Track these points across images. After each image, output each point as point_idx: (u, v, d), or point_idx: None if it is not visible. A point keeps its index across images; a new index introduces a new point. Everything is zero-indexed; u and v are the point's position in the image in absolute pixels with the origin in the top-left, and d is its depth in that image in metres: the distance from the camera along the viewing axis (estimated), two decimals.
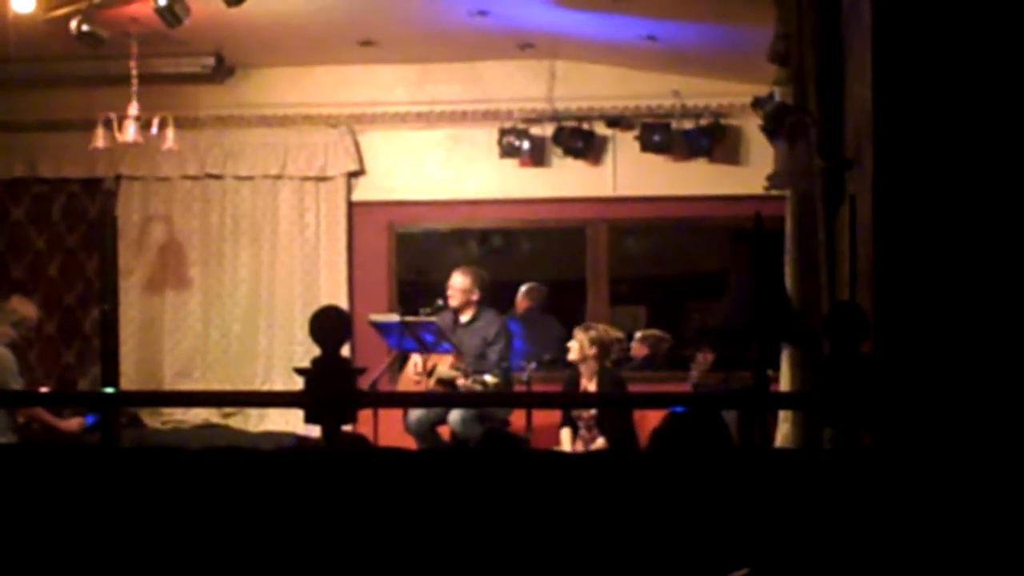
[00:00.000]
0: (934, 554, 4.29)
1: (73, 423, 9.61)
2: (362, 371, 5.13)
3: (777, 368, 7.44)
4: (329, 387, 4.82)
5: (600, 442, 9.55)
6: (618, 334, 10.13)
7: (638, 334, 11.28)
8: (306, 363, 4.88)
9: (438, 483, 4.64)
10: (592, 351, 9.68)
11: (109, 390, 5.83)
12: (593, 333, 9.76)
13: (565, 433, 9.78)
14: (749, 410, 7.37)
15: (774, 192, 7.93)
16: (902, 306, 5.25)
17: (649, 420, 9.02)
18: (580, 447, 9.58)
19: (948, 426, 5.01)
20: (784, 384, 7.16)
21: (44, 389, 10.53)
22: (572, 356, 9.78)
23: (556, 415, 9.91)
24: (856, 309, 4.97)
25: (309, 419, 4.93)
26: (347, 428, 5.79)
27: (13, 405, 9.08)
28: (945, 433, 4.99)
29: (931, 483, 4.41)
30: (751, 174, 10.33)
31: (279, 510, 4.68)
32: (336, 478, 4.71)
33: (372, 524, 4.60)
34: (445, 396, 9.34)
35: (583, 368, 9.72)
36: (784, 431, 7.34)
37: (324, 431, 4.87)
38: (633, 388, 9.95)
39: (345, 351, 5.07)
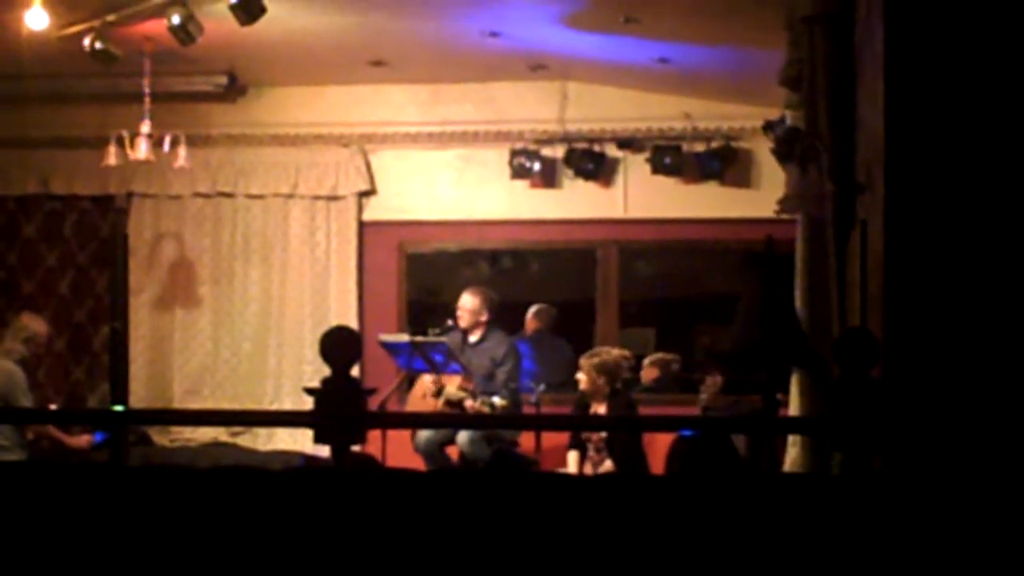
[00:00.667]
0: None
1: (82, 440, 9.61)
2: (371, 392, 5.14)
3: (787, 392, 7.44)
4: (338, 407, 4.82)
5: (608, 465, 9.53)
6: (624, 353, 10.09)
7: (647, 360, 11.26)
8: (315, 383, 4.89)
9: (446, 503, 4.64)
10: (601, 380, 9.64)
11: (118, 408, 5.83)
12: (597, 360, 9.70)
13: (572, 456, 9.76)
14: (758, 435, 7.37)
15: (785, 216, 7.93)
16: (913, 331, 5.25)
17: (658, 443, 9.02)
18: (588, 469, 9.56)
19: (958, 451, 5.00)
20: (793, 408, 7.16)
21: (53, 406, 10.53)
22: (581, 387, 9.73)
23: (565, 437, 9.90)
24: (866, 334, 4.97)
25: (318, 439, 4.93)
26: (356, 448, 5.79)
27: (22, 422, 9.09)
28: (955, 458, 4.98)
29: (941, 508, 4.40)
30: (762, 197, 10.32)
31: (287, 530, 4.68)
32: (345, 498, 4.71)
33: (380, 544, 4.59)
34: (453, 418, 9.34)
35: (592, 395, 9.69)
36: (793, 455, 7.33)
37: (333, 451, 4.88)
38: (642, 411, 9.92)
39: (354, 371, 5.07)
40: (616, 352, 9.98)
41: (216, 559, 4.67)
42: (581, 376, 9.72)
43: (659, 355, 11.36)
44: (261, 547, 4.65)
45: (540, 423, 9.55)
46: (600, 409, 9.63)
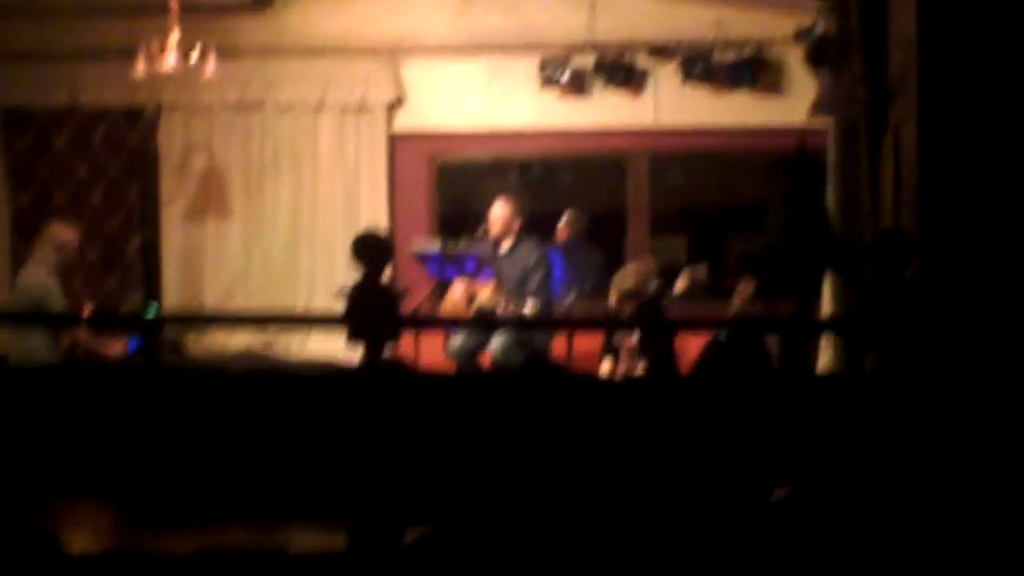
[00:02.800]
0: (978, 475, 4.29)
1: (116, 347, 9.66)
2: (404, 293, 5.15)
3: (819, 297, 7.42)
4: (371, 310, 4.85)
5: (640, 370, 9.52)
6: (643, 267, 9.99)
7: (681, 279, 11.16)
8: None
9: (479, 405, 4.66)
10: (628, 305, 9.57)
11: (152, 311, 5.85)
12: (629, 285, 9.62)
13: (605, 363, 9.76)
14: (791, 337, 7.36)
15: (816, 122, 7.90)
16: (946, 232, 5.24)
17: (691, 350, 9.04)
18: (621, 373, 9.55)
19: (992, 350, 5.00)
20: (826, 311, 7.16)
21: (87, 311, 10.56)
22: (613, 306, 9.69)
23: (596, 344, 9.90)
24: (900, 234, 4.97)
25: (351, 340, 4.95)
26: (388, 354, 5.82)
27: (57, 326, 9.14)
28: (989, 357, 4.98)
29: (976, 407, 4.41)
30: (793, 105, 10.28)
31: (321, 430, 4.71)
32: (377, 399, 4.74)
33: (413, 445, 4.63)
34: (485, 321, 9.32)
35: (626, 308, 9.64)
36: (825, 360, 7.34)
37: (366, 352, 4.90)
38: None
39: (386, 280, 5.08)
40: (633, 273, 9.82)
41: (251, 458, 4.71)
42: (611, 298, 9.70)
43: (689, 267, 11.32)
44: (295, 446, 4.68)
45: (572, 325, 9.52)
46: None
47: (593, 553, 3.98)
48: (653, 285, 10.04)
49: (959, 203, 5.29)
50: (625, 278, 9.70)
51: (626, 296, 9.52)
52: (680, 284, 11.04)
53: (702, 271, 11.21)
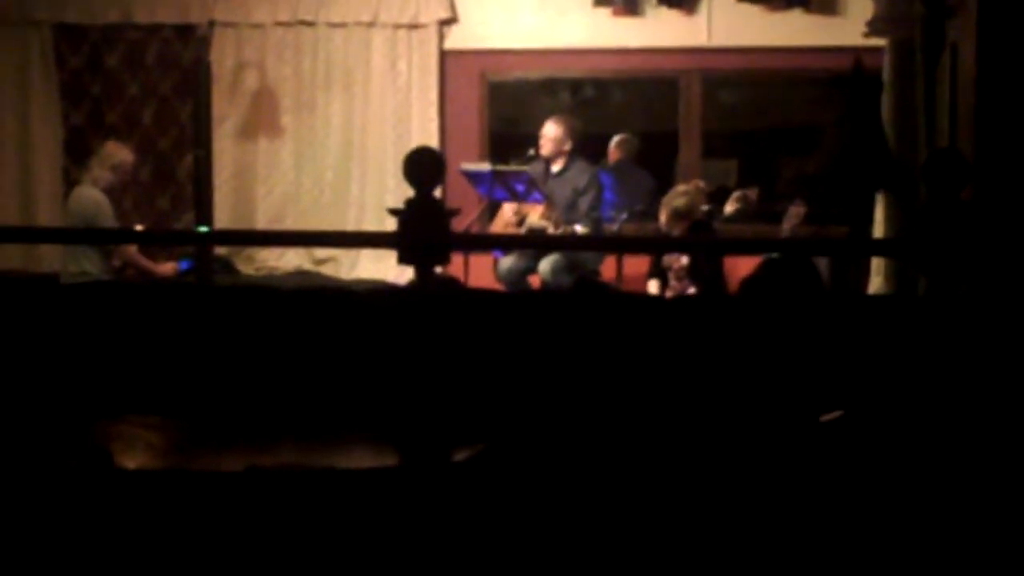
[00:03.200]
0: None
1: (168, 267, 9.72)
2: (456, 212, 5.13)
3: (871, 222, 7.37)
4: (422, 227, 4.82)
5: (691, 292, 9.52)
6: (691, 189, 9.95)
7: (730, 202, 11.12)
8: None
9: (530, 324, 4.66)
10: (678, 227, 9.54)
11: (203, 229, 5.86)
12: (679, 204, 9.58)
13: (653, 284, 9.75)
14: (842, 259, 7.32)
15: (872, 43, 7.81)
16: (1004, 153, 5.17)
17: (741, 272, 9.00)
18: (670, 295, 9.54)
19: None
20: (879, 232, 7.11)
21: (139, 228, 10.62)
22: (663, 227, 9.67)
23: (646, 266, 9.89)
24: (957, 155, 4.90)
25: (402, 260, 4.93)
26: (439, 271, 5.81)
27: (108, 242, 9.20)
28: None
29: None
30: (849, 25, 10.14)
31: (371, 348, 4.72)
32: (429, 318, 4.74)
33: (464, 363, 4.63)
34: (536, 239, 9.30)
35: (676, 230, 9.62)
36: (876, 285, 7.31)
37: (417, 271, 4.89)
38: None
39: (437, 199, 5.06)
40: (683, 193, 9.78)
41: (301, 377, 4.73)
42: (661, 219, 9.68)
43: (739, 192, 11.27)
44: (345, 365, 4.70)
45: (622, 245, 9.49)
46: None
47: (641, 473, 3.98)
48: (703, 207, 10.02)
49: (1017, 123, 5.22)
50: (675, 197, 9.66)
51: (676, 216, 9.49)
52: (730, 207, 11.01)
53: (752, 195, 11.17)
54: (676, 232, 9.42)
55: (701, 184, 10.31)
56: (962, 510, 3.96)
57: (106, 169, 9.38)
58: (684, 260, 9.59)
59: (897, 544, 3.91)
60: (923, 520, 3.93)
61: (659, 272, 9.73)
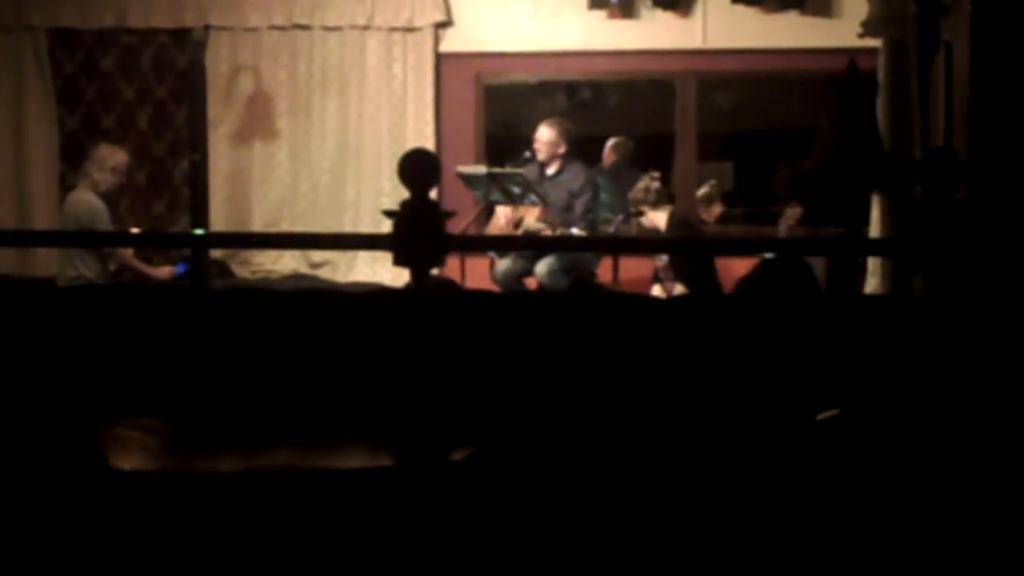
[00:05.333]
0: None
1: (164, 271, 9.73)
2: (451, 214, 5.13)
3: (867, 223, 7.38)
4: (418, 229, 4.83)
5: (679, 289, 9.52)
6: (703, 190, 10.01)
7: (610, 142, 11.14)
8: None
9: (526, 325, 4.66)
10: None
11: (199, 231, 5.87)
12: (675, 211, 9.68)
13: (657, 289, 9.76)
14: (838, 259, 7.33)
15: (866, 44, 7.81)
16: (997, 152, 5.18)
17: (735, 271, 9.01)
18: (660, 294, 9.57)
19: None
20: (874, 232, 7.11)
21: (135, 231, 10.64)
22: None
23: (642, 269, 9.91)
24: (951, 154, 4.90)
25: (398, 261, 4.93)
26: (435, 273, 5.81)
27: (104, 245, 9.21)
28: None
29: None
30: (843, 26, 10.14)
31: (368, 350, 4.72)
32: (425, 319, 4.74)
33: (461, 365, 4.63)
34: (531, 240, 9.32)
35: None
36: (872, 285, 7.31)
37: (413, 273, 4.89)
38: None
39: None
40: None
41: (298, 379, 4.73)
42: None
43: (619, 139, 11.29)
44: (341, 366, 4.70)
45: (618, 246, 9.49)
46: None
47: (637, 473, 3.98)
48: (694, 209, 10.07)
49: (1012, 123, 5.23)
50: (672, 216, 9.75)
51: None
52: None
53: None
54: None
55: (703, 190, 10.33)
56: (960, 510, 3.96)
57: (106, 171, 9.40)
58: (665, 258, 9.63)
59: (895, 545, 3.91)
60: (921, 520, 3.93)
61: (660, 279, 9.76)
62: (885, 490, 3.96)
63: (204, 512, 3.86)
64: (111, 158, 9.50)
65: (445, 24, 11.68)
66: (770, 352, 4.40)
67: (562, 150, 10.26)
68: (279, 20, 11.71)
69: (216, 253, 11.00)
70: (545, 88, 12.21)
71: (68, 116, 11.95)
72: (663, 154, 11.74)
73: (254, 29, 11.74)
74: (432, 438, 4.48)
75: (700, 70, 11.56)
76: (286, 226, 11.67)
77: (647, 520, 3.88)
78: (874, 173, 6.74)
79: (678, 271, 9.55)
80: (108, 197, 9.44)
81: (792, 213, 10.08)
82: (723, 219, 11.01)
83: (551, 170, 10.27)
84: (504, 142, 11.81)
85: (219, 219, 11.35)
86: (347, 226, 11.56)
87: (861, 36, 7.60)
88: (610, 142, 11.68)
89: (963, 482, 4.00)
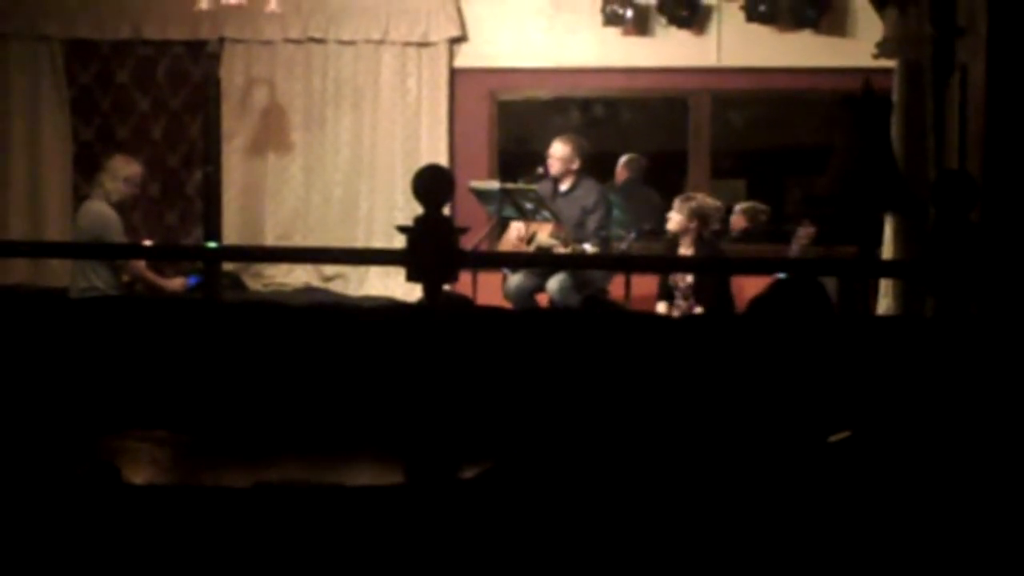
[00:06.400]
0: None
1: (176, 283, 9.73)
2: (465, 230, 5.13)
3: (880, 244, 7.37)
4: (431, 244, 4.82)
5: (698, 312, 9.53)
6: (717, 203, 10.07)
7: (737, 207, 11.20)
8: None
9: (538, 342, 4.66)
10: (692, 223, 9.64)
11: (212, 244, 5.86)
12: (693, 204, 9.71)
13: (662, 306, 9.77)
14: (851, 280, 7.32)
15: (881, 64, 7.81)
16: (1012, 174, 5.17)
17: (748, 292, 9.00)
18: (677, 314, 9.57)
19: None
20: (887, 253, 7.10)
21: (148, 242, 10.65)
22: (672, 227, 9.74)
23: (654, 286, 9.90)
24: (966, 176, 4.90)
25: (411, 277, 4.93)
26: (448, 288, 5.81)
27: (117, 257, 9.22)
28: None
29: None
30: (858, 46, 10.13)
31: (380, 365, 4.72)
32: (438, 335, 4.74)
33: (473, 382, 4.63)
34: (544, 258, 9.31)
35: (682, 239, 9.69)
36: (884, 306, 7.29)
37: (425, 289, 4.88)
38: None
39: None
40: (711, 200, 9.96)
41: (309, 393, 4.73)
42: (674, 215, 9.71)
43: (749, 204, 11.30)
44: (353, 381, 4.70)
45: (630, 264, 9.49)
46: (688, 254, 9.63)
47: (649, 491, 3.98)
48: (717, 219, 10.07)
49: None
50: (693, 197, 9.76)
51: (692, 212, 9.56)
52: (736, 222, 11.03)
53: (764, 212, 11.19)
54: (692, 227, 9.50)
55: (719, 204, 10.32)
56: (973, 529, 3.95)
57: (119, 182, 9.40)
58: (690, 279, 9.63)
59: (905, 563, 3.90)
60: (932, 539, 3.93)
61: (668, 294, 9.75)
62: (897, 511, 3.95)
63: (215, 526, 3.86)
64: (125, 169, 9.51)
65: (460, 39, 11.70)
66: (782, 372, 4.39)
67: (575, 166, 10.27)
68: (294, 33, 11.73)
69: (228, 265, 11.00)
70: (559, 104, 12.21)
71: (82, 127, 11.98)
72: (676, 171, 11.74)
73: (269, 42, 11.76)
74: (443, 455, 4.48)
75: (714, 88, 11.57)
76: (299, 239, 11.68)
77: (659, 538, 3.88)
78: (888, 194, 6.73)
79: (698, 292, 9.56)
80: (121, 208, 9.44)
81: (805, 232, 10.07)
82: (745, 235, 10.99)
83: (564, 186, 10.27)
84: (517, 158, 11.81)
85: (232, 231, 11.36)
86: (360, 239, 11.57)
87: (876, 56, 7.59)
88: (623, 159, 11.67)
89: (976, 503, 3.99)
